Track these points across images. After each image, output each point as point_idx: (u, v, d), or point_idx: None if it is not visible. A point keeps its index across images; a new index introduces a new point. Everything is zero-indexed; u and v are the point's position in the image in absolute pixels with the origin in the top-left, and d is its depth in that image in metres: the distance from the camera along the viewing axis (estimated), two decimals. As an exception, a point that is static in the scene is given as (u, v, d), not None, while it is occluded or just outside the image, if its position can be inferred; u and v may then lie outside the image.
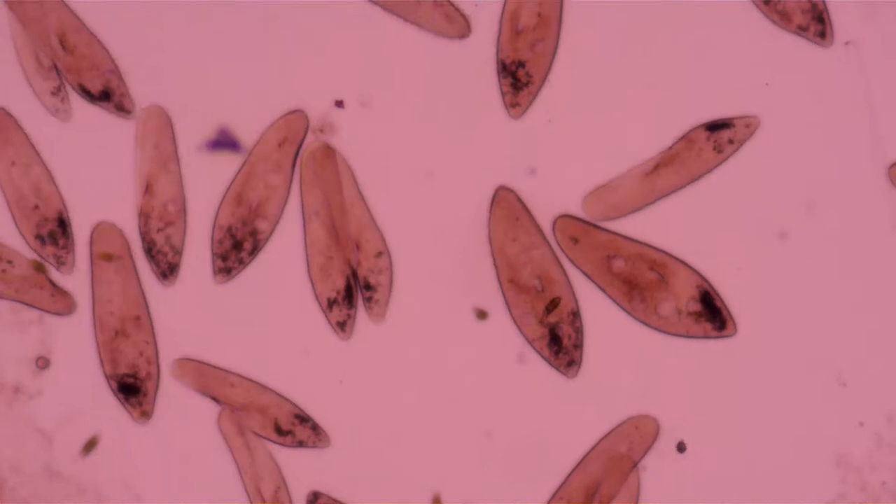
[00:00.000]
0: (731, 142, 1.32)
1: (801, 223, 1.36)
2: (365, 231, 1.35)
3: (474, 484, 1.38)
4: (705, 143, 1.32)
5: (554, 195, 1.36)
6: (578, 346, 1.35)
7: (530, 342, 1.35)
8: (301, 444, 1.37)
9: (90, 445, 1.38)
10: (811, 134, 1.35)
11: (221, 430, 1.36)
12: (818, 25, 1.33)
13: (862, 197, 1.35)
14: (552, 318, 1.32)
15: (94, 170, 1.36)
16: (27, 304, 1.37)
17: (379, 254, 1.35)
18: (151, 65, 1.37)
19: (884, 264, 1.36)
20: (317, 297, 1.36)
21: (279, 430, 1.36)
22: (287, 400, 1.37)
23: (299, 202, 1.36)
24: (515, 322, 1.35)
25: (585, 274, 1.35)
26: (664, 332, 1.35)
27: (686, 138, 1.32)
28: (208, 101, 1.36)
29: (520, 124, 1.36)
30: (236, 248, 1.35)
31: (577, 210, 1.35)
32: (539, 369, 1.37)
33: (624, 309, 1.35)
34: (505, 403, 1.38)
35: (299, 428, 1.37)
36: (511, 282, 1.34)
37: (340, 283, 1.35)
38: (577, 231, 1.34)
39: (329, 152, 1.34)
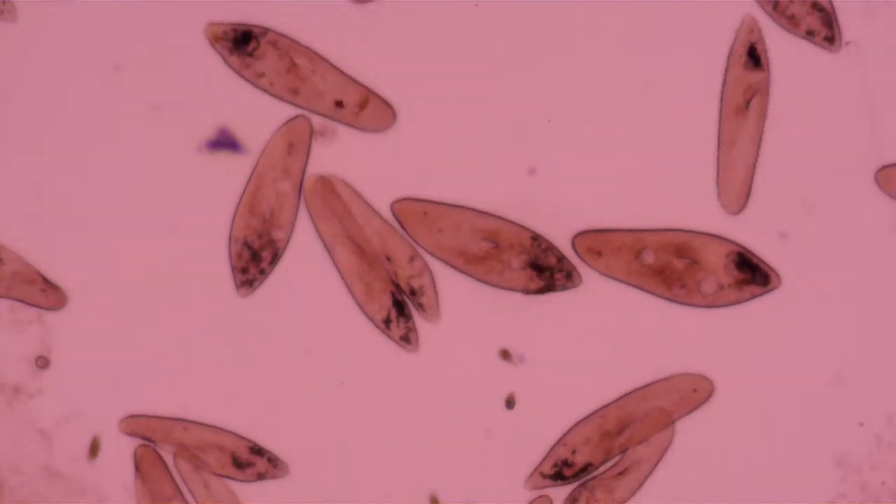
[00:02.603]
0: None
1: (801, 223, 1.36)
2: (389, 241, 1.35)
3: (474, 484, 1.39)
4: None
5: (554, 195, 1.36)
6: (561, 257, 1.34)
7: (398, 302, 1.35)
8: (260, 476, 1.37)
9: (94, 448, 1.38)
10: (812, 133, 1.35)
11: (179, 472, 1.36)
12: (827, 31, 1.33)
13: (862, 197, 1.35)
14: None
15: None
16: (18, 300, 1.37)
17: (411, 258, 1.35)
18: (152, 64, 1.36)
19: (884, 264, 1.36)
20: (370, 318, 1.36)
21: (238, 464, 1.36)
22: (241, 437, 1.37)
23: (317, 231, 1.36)
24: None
25: (619, 280, 1.35)
26: (714, 307, 1.34)
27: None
28: (208, 101, 1.36)
29: (520, 124, 1.36)
30: (255, 260, 1.35)
31: (577, 212, 1.35)
32: (540, 369, 1.37)
33: (668, 299, 1.34)
34: (504, 402, 1.38)
35: (258, 460, 1.37)
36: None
37: (388, 301, 1.35)
38: (598, 243, 1.34)
39: (327, 183, 1.34)
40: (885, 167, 1.34)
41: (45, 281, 1.37)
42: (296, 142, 1.35)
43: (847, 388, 1.36)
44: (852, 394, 1.36)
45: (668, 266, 1.33)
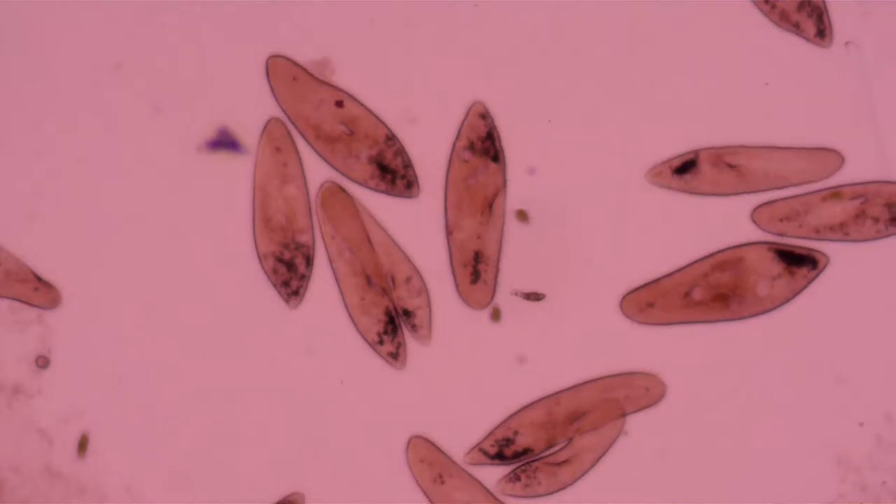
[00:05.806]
0: None
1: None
2: (391, 259, 1.35)
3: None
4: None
5: (554, 195, 1.36)
6: (408, 164, 1.34)
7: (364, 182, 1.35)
8: None
9: (83, 446, 1.38)
10: (811, 132, 1.35)
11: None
12: (818, 24, 1.33)
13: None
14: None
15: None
16: (11, 299, 1.37)
17: (408, 279, 1.35)
18: (152, 64, 1.37)
19: (883, 264, 1.36)
20: (361, 333, 1.36)
21: None
22: None
23: (323, 241, 1.36)
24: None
25: (677, 323, 1.35)
26: (775, 307, 1.34)
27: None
28: (208, 101, 1.36)
29: (519, 124, 1.36)
30: (292, 269, 1.35)
31: (576, 211, 1.36)
32: (541, 369, 1.37)
33: (730, 319, 1.34)
34: (504, 402, 1.38)
35: None
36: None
37: (382, 317, 1.35)
38: (648, 298, 1.34)
39: (337, 191, 1.34)
40: (757, 207, 1.34)
41: (38, 279, 1.37)
42: (280, 144, 1.35)
43: (847, 388, 1.36)
44: (852, 394, 1.36)
45: (718, 289, 1.33)
